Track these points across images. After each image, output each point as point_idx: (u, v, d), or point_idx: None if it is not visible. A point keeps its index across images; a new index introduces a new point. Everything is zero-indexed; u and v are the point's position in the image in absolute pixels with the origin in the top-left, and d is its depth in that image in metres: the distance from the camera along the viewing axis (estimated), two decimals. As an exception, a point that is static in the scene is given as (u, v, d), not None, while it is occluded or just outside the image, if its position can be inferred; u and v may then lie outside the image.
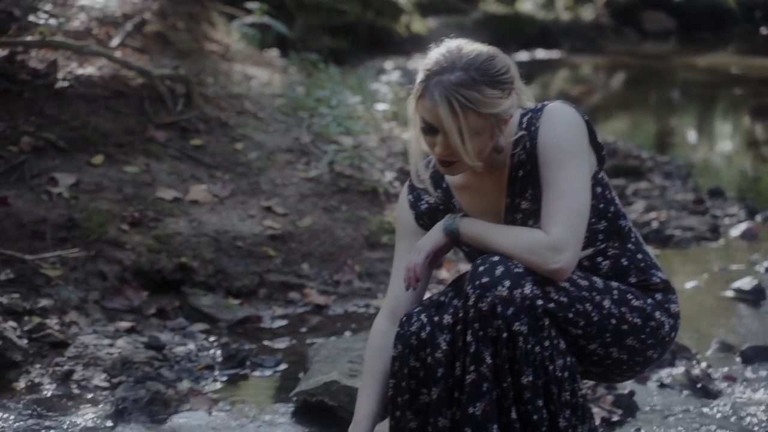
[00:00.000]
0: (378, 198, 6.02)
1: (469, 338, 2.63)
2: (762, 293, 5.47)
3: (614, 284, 2.79)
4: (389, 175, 6.29)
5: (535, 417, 2.63)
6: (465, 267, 5.79)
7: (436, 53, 2.74)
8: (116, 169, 5.51)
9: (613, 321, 2.74)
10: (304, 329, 4.82)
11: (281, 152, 6.21)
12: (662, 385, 4.04)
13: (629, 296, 2.78)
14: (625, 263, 2.84)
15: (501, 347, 2.61)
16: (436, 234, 2.80)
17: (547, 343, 2.64)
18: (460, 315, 2.65)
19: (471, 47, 2.73)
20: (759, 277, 5.77)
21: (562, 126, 2.71)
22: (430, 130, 2.71)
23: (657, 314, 2.81)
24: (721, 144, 10.85)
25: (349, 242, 5.64)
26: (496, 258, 2.65)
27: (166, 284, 5.02)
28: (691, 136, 11.28)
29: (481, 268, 2.64)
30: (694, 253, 6.55)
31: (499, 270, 2.62)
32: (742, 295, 5.47)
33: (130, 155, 5.67)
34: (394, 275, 2.94)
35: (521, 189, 2.78)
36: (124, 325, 4.56)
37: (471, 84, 2.65)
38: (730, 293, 5.53)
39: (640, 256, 2.88)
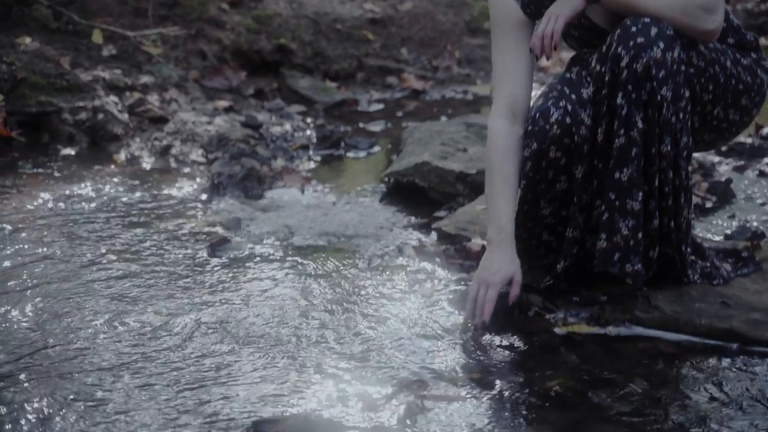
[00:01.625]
0: (480, -18, 5.89)
1: (620, 101, 2.55)
2: None
3: (723, 46, 2.73)
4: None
5: (666, 189, 2.61)
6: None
7: None
8: (217, -52, 5.47)
9: (733, 81, 2.69)
10: (400, 114, 4.83)
11: (384, -65, 6.08)
12: (762, 174, 3.96)
13: (738, 55, 2.73)
14: (724, 25, 2.75)
15: (653, 111, 2.56)
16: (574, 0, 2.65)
17: (681, 115, 2.59)
18: (606, 78, 2.58)
19: None
20: None
21: None
22: None
23: (759, 71, 2.77)
24: None
25: (450, 27, 5.56)
26: (647, 19, 2.55)
27: (264, 65, 5.05)
28: None
29: (633, 28, 2.54)
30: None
31: (653, 31, 2.53)
32: None
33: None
34: (504, 70, 2.78)
35: None
36: (223, 104, 4.62)
37: None
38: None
39: (731, 17, 2.80)
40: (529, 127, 2.70)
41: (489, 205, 2.74)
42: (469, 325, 2.66)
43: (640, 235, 2.59)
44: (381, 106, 4.92)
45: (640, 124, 2.55)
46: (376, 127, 4.59)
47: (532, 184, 2.75)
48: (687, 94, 2.61)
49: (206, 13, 5.06)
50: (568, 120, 2.64)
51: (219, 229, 3.32)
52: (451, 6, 5.67)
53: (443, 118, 4.71)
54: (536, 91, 2.82)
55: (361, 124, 4.61)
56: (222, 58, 4.95)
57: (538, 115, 2.69)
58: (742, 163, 4.04)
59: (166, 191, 3.70)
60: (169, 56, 4.83)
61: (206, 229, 3.32)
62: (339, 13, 5.35)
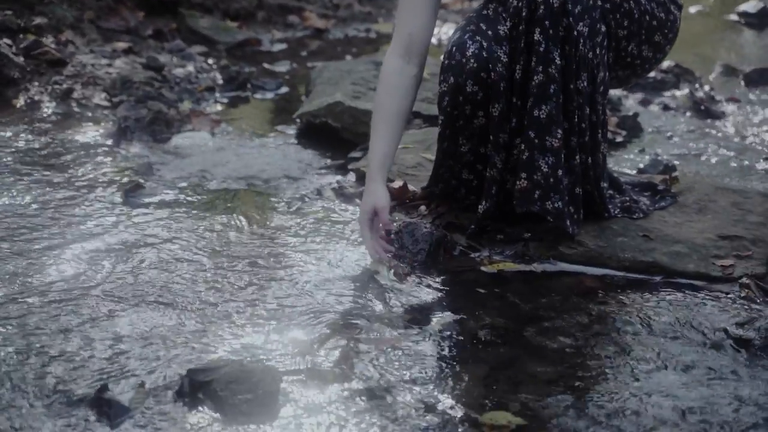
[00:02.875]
0: None
1: (537, 37, 2.54)
2: (767, 16, 5.39)
3: None
4: None
5: (582, 125, 2.61)
6: None
7: None
8: None
9: (647, 17, 2.70)
10: (304, 53, 4.76)
11: None
12: (666, 108, 4.03)
13: (651, -10, 2.74)
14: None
15: (570, 47, 2.54)
16: None
17: (598, 51, 2.59)
18: (524, 14, 2.55)
19: None
20: (764, 0, 5.68)
21: None
22: None
23: (671, 7, 2.78)
24: None
25: (349, -37, 5.49)
26: None
27: (162, 5, 4.92)
28: None
29: None
30: (698, -24, 6.40)
31: None
32: (747, 19, 5.40)
33: None
34: (403, 11, 2.74)
35: None
36: (121, 45, 4.49)
37: None
38: (734, 17, 5.45)
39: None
40: (446, 61, 2.69)
41: (370, 139, 2.72)
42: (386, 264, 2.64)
43: (560, 172, 2.59)
44: (284, 45, 4.85)
45: (558, 60, 2.55)
46: (281, 67, 4.52)
47: (450, 120, 2.73)
48: (603, 29, 2.61)
49: (99, -49, 4.89)
50: (484, 54, 2.62)
51: (131, 175, 3.23)
52: (349, -59, 5.60)
53: (348, 57, 4.66)
54: (443, 28, 2.79)
55: (265, 65, 4.53)
56: (118, -2, 4.81)
57: (454, 48, 2.67)
58: (645, 96, 4.10)
59: (71, 137, 3.58)
60: (62, -4, 4.66)
61: (117, 176, 3.23)
62: (236, -51, 5.23)
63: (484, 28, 2.64)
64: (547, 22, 2.53)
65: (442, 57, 2.72)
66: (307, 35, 5.00)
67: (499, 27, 2.63)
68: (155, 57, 4.37)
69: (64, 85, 3.98)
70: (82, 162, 3.34)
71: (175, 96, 4.02)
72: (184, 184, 3.19)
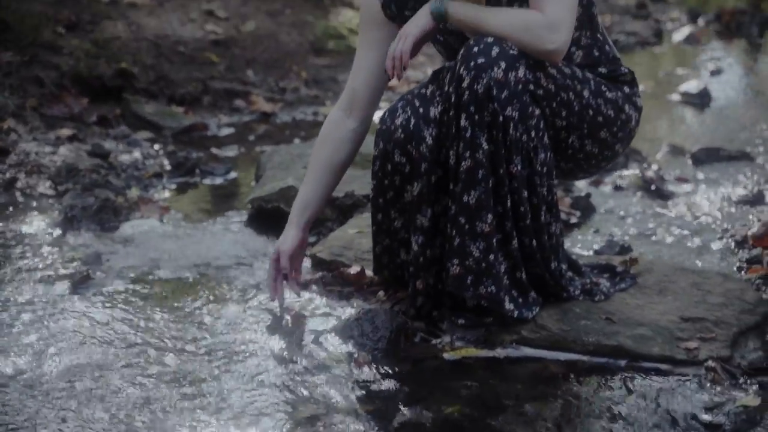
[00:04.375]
0: (322, 2, 5.84)
1: (463, 123, 2.53)
2: (708, 96, 5.48)
3: (589, 75, 2.72)
4: (332, -22, 6.10)
5: (521, 209, 2.59)
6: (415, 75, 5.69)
7: None
8: (47, -31, 5.24)
9: (591, 112, 2.68)
10: (251, 137, 4.72)
11: (219, -47, 5.96)
12: (617, 188, 4.04)
13: (603, 87, 2.71)
14: (596, 53, 2.76)
15: (497, 132, 2.53)
16: (422, 18, 2.63)
17: (533, 133, 2.57)
18: (452, 100, 2.55)
19: None
20: (704, 80, 5.77)
21: None
22: None
23: (626, 107, 2.76)
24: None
25: (295, 48, 5.49)
26: (490, 39, 2.53)
27: (106, 91, 4.86)
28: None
29: (475, 49, 2.52)
30: (639, 57, 6.51)
31: (495, 51, 2.51)
32: (689, 99, 5.48)
33: (59, -45, 5.38)
34: (355, 66, 2.83)
35: None
36: (65, 132, 4.41)
37: None
38: (676, 97, 5.53)
39: (607, 47, 2.81)
40: (378, 126, 2.71)
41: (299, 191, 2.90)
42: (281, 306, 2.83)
43: (491, 257, 2.58)
44: (231, 130, 4.81)
45: (485, 146, 2.53)
46: (229, 152, 4.48)
47: (381, 189, 2.74)
48: (537, 112, 2.59)
49: (41, 37, 4.84)
50: (411, 128, 2.62)
51: (78, 266, 3.14)
52: (294, 26, 5.60)
53: (296, 141, 4.63)
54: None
55: (213, 150, 4.48)
56: (61, 84, 4.74)
57: (386, 114, 2.70)
58: (597, 177, 4.11)
59: (15, 227, 3.48)
60: (4, 84, 4.59)
61: (65, 267, 3.14)
62: (180, 35, 5.21)
63: (417, 105, 2.65)
64: (472, 108, 2.52)
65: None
66: (254, 119, 4.97)
67: (430, 108, 2.63)
68: (100, 144, 4.31)
69: (7, 175, 3.89)
70: (27, 254, 3.25)
71: (122, 183, 3.95)
72: (133, 275, 3.11)
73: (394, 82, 5.19)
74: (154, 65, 5.00)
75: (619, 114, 2.74)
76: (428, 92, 2.66)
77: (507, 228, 2.60)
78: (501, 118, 2.51)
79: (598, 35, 2.78)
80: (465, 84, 2.52)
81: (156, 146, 4.44)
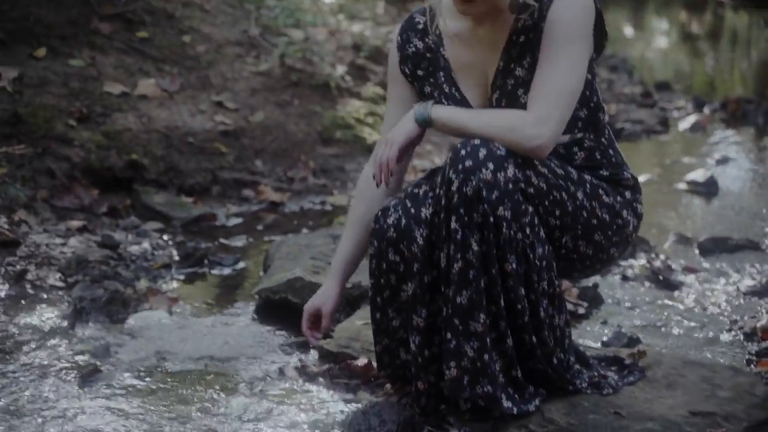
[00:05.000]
0: (330, 92, 5.91)
1: (453, 225, 2.55)
2: (715, 185, 5.50)
3: (587, 177, 2.74)
4: (340, 69, 6.17)
5: (518, 306, 2.59)
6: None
7: None
8: (60, 62, 5.32)
9: (585, 213, 2.70)
10: (260, 227, 4.75)
11: (230, 45, 6.05)
12: (625, 278, 4.04)
13: (600, 191, 2.74)
14: (599, 157, 2.79)
15: (488, 233, 2.54)
16: (407, 125, 2.70)
17: (528, 230, 2.59)
18: (442, 203, 2.57)
19: None
20: (711, 169, 5.80)
21: (577, 8, 2.61)
22: None
23: (624, 213, 2.77)
24: (658, 39, 10.82)
25: (303, 138, 5.54)
26: (477, 141, 2.56)
27: (116, 182, 4.90)
28: (628, 31, 11.23)
29: (463, 152, 2.55)
30: (645, 146, 6.56)
31: (482, 153, 2.54)
32: (696, 188, 5.49)
33: (74, 48, 5.47)
34: (385, 122, 2.88)
35: (519, 55, 2.69)
36: (76, 224, 4.44)
37: None
38: (683, 186, 5.55)
39: (611, 151, 2.83)
40: (373, 225, 2.74)
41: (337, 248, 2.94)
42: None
43: (486, 356, 2.58)
44: (240, 220, 4.84)
45: (475, 247, 2.55)
46: (237, 242, 4.50)
47: (378, 288, 2.76)
48: (530, 209, 2.61)
49: (53, 130, 4.89)
50: (402, 227, 2.65)
51: (87, 358, 3.15)
52: (302, 116, 5.66)
53: (304, 230, 4.65)
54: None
55: (222, 240, 4.50)
56: (72, 176, 4.78)
57: (380, 213, 2.73)
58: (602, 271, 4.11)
59: (25, 320, 3.49)
60: (16, 176, 4.63)
61: (73, 359, 3.14)
62: (190, 126, 5.26)
63: (408, 205, 2.68)
64: (462, 210, 2.54)
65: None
66: (263, 209, 5.00)
67: (422, 209, 2.65)
68: (110, 235, 4.33)
69: (18, 267, 3.91)
70: (36, 346, 3.25)
71: (131, 274, 3.97)
72: (142, 367, 3.12)
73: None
74: (164, 156, 5.05)
75: (615, 219, 2.75)
76: (421, 192, 2.69)
77: (501, 327, 2.61)
78: (492, 219, 2.53)
79: (603, 139, 2.81)
80: (454, 187, 2.54)
81: (165, 237, 4.47)
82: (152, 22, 5.90)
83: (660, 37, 10.92)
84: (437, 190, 2.61)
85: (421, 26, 2.84)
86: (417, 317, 2.66)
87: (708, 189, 5.45)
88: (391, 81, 2.90)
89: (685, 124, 7.06)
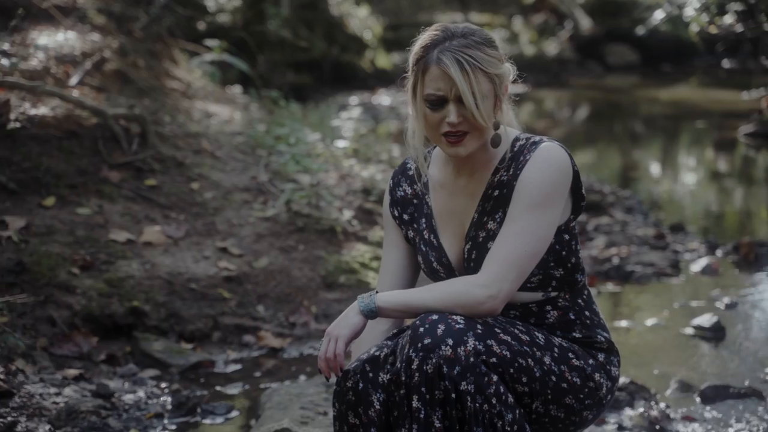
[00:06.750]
0: (336, 237, 5.96)
1: (416, 404, 2.53)
2: (722, 330, 5.44)
3: (557, 341, 2.73)
4: (347, 214, 6.23)
5: None
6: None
7: (427, 33, 2.74)
8: (68, 210, 5.42)
9: (554, 378, 2.68)
10: (258, 373, 4.74)
11: (238, 191, 6.15)
12: (621, 428, 3.98)
13: (570, 354, 2.72)
14: (572, 317, 2.79)
15: (450, 408, 2.53)
16: (352, 318, 2.68)
17: (494, 400, 2.56)
18: (403, 379, 2.56)
19: (458, 23, 2.74)
20: (719, 313, 5.75)
21: (549, 171, 2.65)
22: (439, 102, 2.66)
23: (596, 376, 2.75)
24: (683, 177, 10.87)
25: (306, 283, 5.57)
26: (435, 316, 2.57)
27: (116, 329, 4.93)
28: (654, 169, 11.30)
29: (421, 329, 2.55)
30: (654, 288, 6.52)
31: (440, 329, 2.54)
32: (702, 332, 5.44)
33: (82, 196, 5.58)
34: (382, 268, 2.91)
35: (492, 209, 2.73)
36: (72, 372, 4.45)
37: (473, 45, 2.65)
38: (690, 330, 5.50)
39: (587, 313, 2.83)
40: (336, 387, 2.71)
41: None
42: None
43: None
44: (238, 366, 4.83)
45: (437, 424, 2.53)
46: (233, 389, 4.49)
47: None
48: (495, 378, 2.58)
49: (56, 278, 4.95)
50: (359, 391, 2.64)
51: None
52: (306, 261, 5.70)
53: (302, 377, 4.64)
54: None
55: (218, 387, 4.49)
56: (72, 324, 4.82)
57: (342, 375, 2.70)
58: (601, 416, 4.06)
59: (8, 473, 3.48)
60: (16, 324, 4.67)
61: None
62: (194, 272, 5.31)
63: (367, 369, 2.66)
64: (423, 389, 2.53)
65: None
66: (263, 354, 5.00)
67: (380, 374, 2.64)
68: (105, 384, 4.34)
69: (8, 418, 3.91)
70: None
71: (121, 425, 3.95)
72: None
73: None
74: (166, 302, 5.08)
75: (586, 382, 2.73)
76: (382, 355, 2.68)
77: None
78: (455, 394, 2.52)
79: (580, 300, 2.81)
80: (414, 365, 2.54)
81: (162, 384, 4.47)
82: (161, 170, 6.01)
83: (685, 175, 10.97)
84: (397, 363, 2.60)
85: (411, 172, 2.90)
86: None
87: (714, 334, 5.40)
88: (386, 223, 2.95)
89: (696, 266, 7.02)
